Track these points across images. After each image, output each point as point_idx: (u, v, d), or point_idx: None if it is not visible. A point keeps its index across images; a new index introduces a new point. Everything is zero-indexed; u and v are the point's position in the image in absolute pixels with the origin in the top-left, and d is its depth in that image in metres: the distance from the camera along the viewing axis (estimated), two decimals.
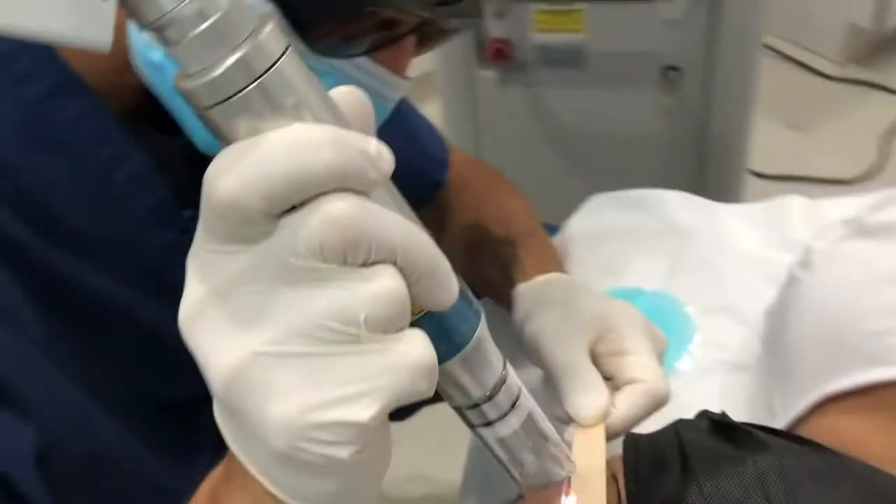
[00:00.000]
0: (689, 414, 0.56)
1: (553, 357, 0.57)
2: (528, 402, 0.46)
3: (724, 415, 0.51)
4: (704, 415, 0.51)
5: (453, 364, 0.39)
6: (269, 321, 0.30)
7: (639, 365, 0.55)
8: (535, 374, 0.59)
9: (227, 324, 0.31)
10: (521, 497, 0.51)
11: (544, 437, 0.48)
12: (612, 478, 0.49)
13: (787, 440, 0.48)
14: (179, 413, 0.70)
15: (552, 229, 0.88)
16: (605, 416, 0.54)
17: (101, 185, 0.56)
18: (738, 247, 0.82)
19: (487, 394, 0.42)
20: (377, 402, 0.31)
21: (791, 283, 0.66)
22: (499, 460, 0.47)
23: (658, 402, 0.55)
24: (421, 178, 0.85)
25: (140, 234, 0.62)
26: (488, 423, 0.43)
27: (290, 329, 0.30)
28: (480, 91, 1.37)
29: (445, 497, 1.48)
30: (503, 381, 0.42)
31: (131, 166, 0.57)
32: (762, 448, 0.45)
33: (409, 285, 0.31)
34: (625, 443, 0.50)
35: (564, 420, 0.55)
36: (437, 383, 0.41)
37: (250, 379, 0.30)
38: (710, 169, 1.36)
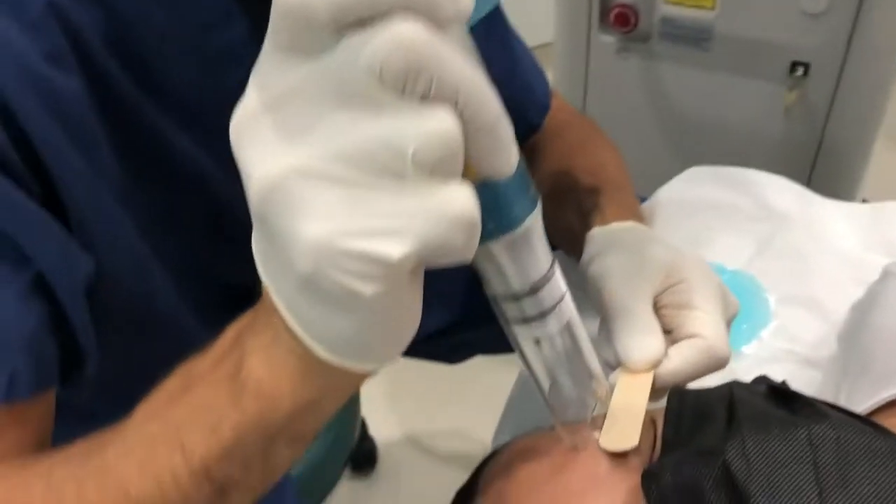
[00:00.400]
0: None
1: (613, 297, 0.55)
2: (573, 315, 0.44)
3: (784, 383, 0.47)
4: (763, 380, 0.48)
5: (498, 245, 0.38)
6: (316, 139, 0.29)
7: (702, 321, 0.53)
8: (593, 328, 0.57)
9: (274, 135, 0.30)
10: (552, 430, 0.50)
11: (583, 359, 0.46)
12: (650, 422, 0.47)
13: (854, 419, 0.45)
14: (240, 298, 0.71)
15: (641, 200, 0.85)
16: (655, 363, 0.52)
17: (198, 44, 0.56)
18: (833, 243, 0.77)
19: (529, 287, 0.40)
20: (409, 242, 0.30)
21: (883, 278, 0.62)
22: (529, 369, 0.46)
23: (715, 363, 0.52)
24: (519, 116, 0.83)
25: (230, 102, 0.62)
26: (525, 320, 0.42)
27: (334, 150, 0.29)
28: (596, 56, 1.34)
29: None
30: (548, 279, 0.41)
31: (232, 33, 0.57)
32: (821, 418, 0.42)
33: (466, 137, 0.30)
34: (670, 392, 0.48)
35: (612, 364, 0.53)
36: (478, 262, 0.40)
37: (287, 193, 0.30)
38: (819, 181, 1.29)
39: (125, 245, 0.57)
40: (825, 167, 1.27)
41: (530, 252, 0.39)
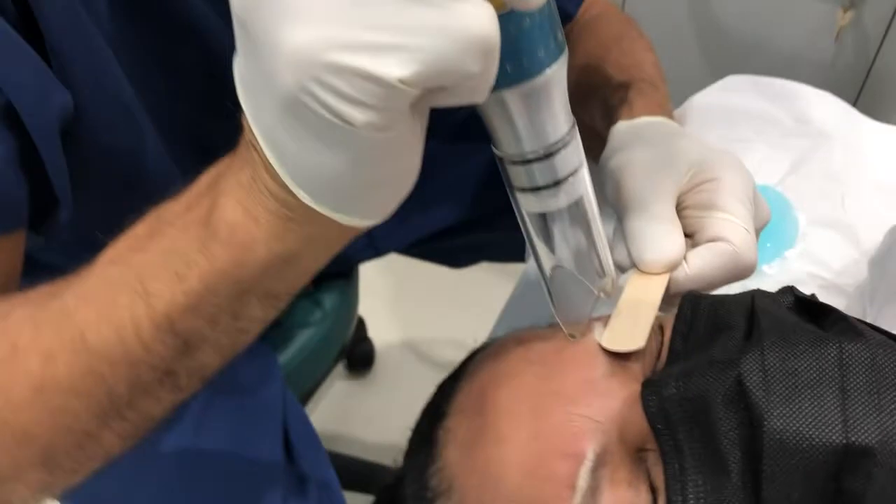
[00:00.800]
0: None
1: (631, 193, 0.50)
2: (588, 193, 0.39)
3: (813, 296, 0.43)
4: (789, 290, 0.43)
5: (514, 94, 0.33)
6: None
7: (729, 224, 0.48)
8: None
9: None
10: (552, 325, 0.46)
11: (593, 246, 0.42)
12: (657, 328, 0.43)
13: (894, 341, 0.39)
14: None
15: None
16: (671, 265, 0.47)
17: None
18: (875, 166, 0.71)
19: (542, 151, 0.36)
20: (414, 62, 0.26)
21: None
22: (532, 248, 0.41)
23: (739, 271, 0.48)
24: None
25: None
26: (534, 190, 0.37)
27: None
28: None
29: None
30: (565, 145, 0.36)
31: None
32: (856, 336, 0.36)
33: None
34: (683, 298, 0.44)
35: (625, 265, 0.49)
36: (489, 112, 0.35)
37: None
38: (863, 111, 1.22)
39: (110, 89, 0.52)
40: (872, 96, 1.20)
41: (549, 108, 0.34)
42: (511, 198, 0.39)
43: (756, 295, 0.42)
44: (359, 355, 1.47)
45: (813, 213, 0.69)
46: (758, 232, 0.52)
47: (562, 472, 0.38)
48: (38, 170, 0.48)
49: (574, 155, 0.37)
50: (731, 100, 0.78)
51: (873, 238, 0.65)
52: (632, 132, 0.57)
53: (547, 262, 0.42)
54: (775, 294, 0.43)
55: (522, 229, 0.41)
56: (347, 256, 0.90)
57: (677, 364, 0.40)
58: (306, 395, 1.35)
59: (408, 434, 0.49)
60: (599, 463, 0.38)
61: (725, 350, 0.38)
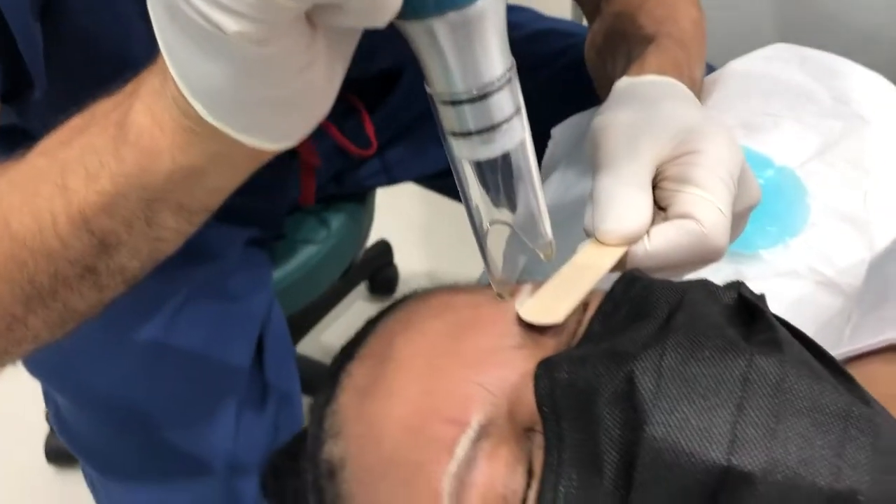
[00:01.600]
0: None
1: (605, 154, 0.47)
2: (526, 143, 0.37)
3: (761, 297, 0.39)
4: (735, 287, 0.39)
5: (442, 23, 0.31)
6: None
7: (700, 201, 0.44)
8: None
9: None
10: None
11: (530, 202, 0.39)
12: (581, 306, 0.41)
13: (822, 363, 0.36)
14: None
15: (709, 69, 0.75)
16: (629, 238, 0.44)
17: None
18: None
19: (475, 92, 0.33)
20: None
21: None
22: (465, 200, 0.39)
23: (704, 254, 0.44)
24: None
25: None
26: (465, 135, 0.35)
27: None
28: None
29: None
30: (499, 87, 0.33)
31: None
32: (773, 351, 0.33)
33: None
34: (622, 275, 0.41)
35: (588, 231, 0.46)
36: (416, 45, 0.32)
37: None
38: None
39: None
40: None
41: (482, 44, 0.32)
42: (443, 143, 0.37)
43: (693, 286, 0.39)
44: (382, 279, 1.48)
45: (829, 203, 0.64)
46: (742, 214, 0.49)
47: (443, 435, 0.36)
48: (12, 45, 0.48)
49: (510, 100, 0.35)
50: (771, 69, 0.73)
51: (889, 239, 0.60)
52: (629, 90, 0.53)
53: (478, 215, 0.39)
54: (717, 288, 0.39)
55: (455, 178, 0.39)
56: (358, 180, 0.89)
57: (585, 347, 0.37)
58: (322, 311, 1.37)
59: None
60: (483, 434, 0.36)
61: (632, 341, 0.35)
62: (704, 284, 0.39)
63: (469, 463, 0.35)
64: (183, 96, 0.32)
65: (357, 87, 0.80)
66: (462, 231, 0.44)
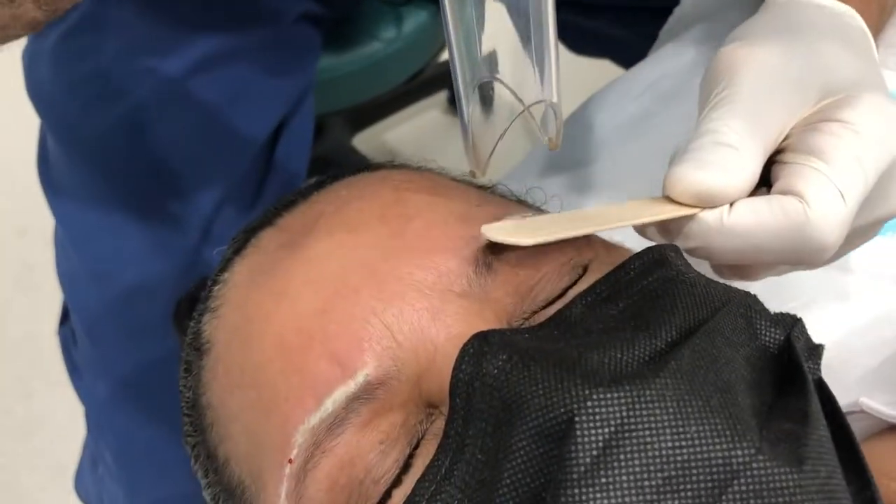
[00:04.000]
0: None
1: (728, 97, 0.34)
2: None
3: (816, 349, 0.29)
4: (787, 325, 0.29)
5: None
6: None
7: (817, 178, 0.32)
8: None
9: None
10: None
11: (537, 52, 0.30)
12: (576, 268, 0.31)
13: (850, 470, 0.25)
14: None
15: None
16: (703, 199, 0.32)
17: None
18: None
19: None
20: None
21: None
22: (447, 30, 0.29)
23: (800, 247, 0.32)
24: None
25: None
26: None
27: None
28: None
29: None
30: None
31: None
32: (793, 456, 0.23)
33: None
34: (643, 252, 0.31)
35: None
36: None
37: None
38: None
39: None
40: None
41: None
42: None
43: (730, 303, 0.28)
44: None
45: None
46: (872, 225, 0.36)
47: (318, 374, 0.28)
48: None
49: None
50: None
51: None
52: (786, 14, 0.39)
53: (462, 73, 0.29)
54: (761, 318, 0.29)
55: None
56: None
57: (544, 333, 0.28)
58: (388, 110, 1.29)
59: None
60: (366, 391, 0.28)
61: (603, 362, 0.25)
62: (746, 307, 0.29)
63: (335, 423, 0.28)
64: None
65: None
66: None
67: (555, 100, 0.30)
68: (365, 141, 1.28)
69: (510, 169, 0.63)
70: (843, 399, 0.43)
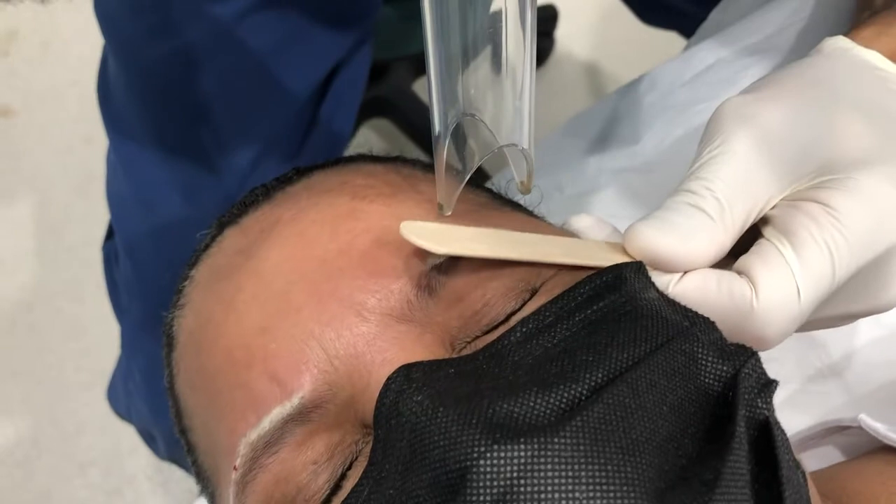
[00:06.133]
0: None
1: (719, 153, 0.33)
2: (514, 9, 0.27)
3: (767, 386, 0.27)
4: (738, 360, 0.27)
5: None
6: None
7: (776, 265, 0.31)
8: None
9: None
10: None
11: (513, 97, 0.29)
12: (525, 287, 0.31)
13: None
14: None
15: None
16: (655, 264, 0.31)
17: None
18: None
19: None
20: None
21: None
22: (427, 58, 0.29)
23: (741, 333, 0.31)
24: None
25: None
26: None
27: None
28: None
29: None
30: None
31: None
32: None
33: None
34: (601, 271, 0.30)
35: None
36: None
37: None
38: None
39: None
40: None
41: None
42: None
43: (679, 338, 0.27)
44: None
45: None
46: (845, 317, 0.35)
47: (258, 392, 0.29)
48: None
49: None
50: None
51: None
52: (822, 67, 0.37)
53: (436, 80, 0.29)
54: (709, 352, 0.27)
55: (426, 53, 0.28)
56: None
57: (469, 368, 0.27)
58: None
59: None
60: (301, 412, 0.28)
61: (521, 410, 0.24)
62: (693, 341, 0.27)
63: (271, 441, 0.29)
64: None
65: None
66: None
67: (526, 146, 0.30)
68: (425, 88, 1.28)
69: (549, 132, 0.63)
70: (849, 412, 0.42)
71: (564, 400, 0.24)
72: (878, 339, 0.47)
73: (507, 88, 0.29)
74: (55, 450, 1.06)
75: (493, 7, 0.26)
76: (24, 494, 1.04)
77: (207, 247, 0.36)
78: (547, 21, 1.33)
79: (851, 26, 0.42)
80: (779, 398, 0.48)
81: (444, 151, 0.30)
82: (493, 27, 0.28)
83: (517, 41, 0.28)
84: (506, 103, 0.30)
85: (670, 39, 0.91)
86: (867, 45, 0.39)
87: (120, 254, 0.66)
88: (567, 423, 0.23)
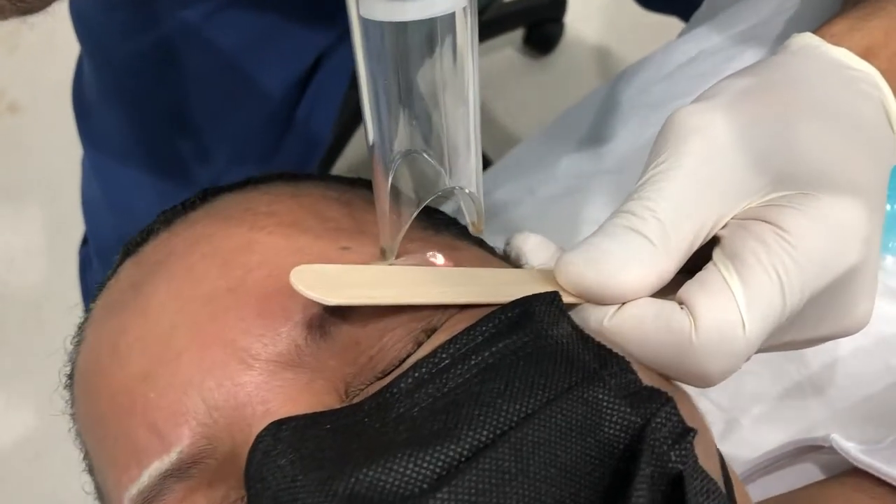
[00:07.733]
0: None
1: (663, 170, 0.30)
2: (464, 36, 0.25)
3: (684, 435, 0.24)
4: (652, 408, 0.25)
5: None
6: None
7: (718, 294, 0.28)
8: None
9: None
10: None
11: (443, 122, 0.27)
12: (425, 328, 0.29)
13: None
14: None
15: None
16: (587, 297, 0.29)
17: None
18: None
19: None
20: None
21: None
22: (361, 89, 0.27)
23: (678, 368, 0.29)
24: None
25: None
26: None
27: None
28: None
29: None
30: None
31: None
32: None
33: None
34: (507, 305, 0.28)
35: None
36: None
37: None
38: None
39: None
40: None
41: None
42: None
43: (587, 381, 0.25)
44: (540, 34, 1.31)
45: None
46: (802, 344, 0.32)
47: (139, 444, 0.28)
48: None
49: None
50: None
51: None
52: (787, 67, 0.34)
53: (386, 136, 0.27)
54: (615, 399, 0.25)
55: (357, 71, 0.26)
56: None
57: (349, 423, 0.25)
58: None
59: None
60: (180, 467, 0.27)
61: (389, 477, 0.22)
62: (600, 386, 0.25)
63: (149, 497, 0.27)
64: None
65: None
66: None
67: (472, 189, 0.28)
68: None
69: (528, 133, 0.60)
70: (829, 428, 0.40)
71: (440, 464, 0.22)
72: (859, 348, 0.45)
73: (453, 128, 0.27)
74: (64, 447, 1.07)
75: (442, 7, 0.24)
76: (33, 491, 1.05)
77: (108, 279, 0.35)
78: (556, 6, 1.30)
79: (828, 19, 0.39)
80: (755, 413, 0.46)
81: (388, 192, 0.28)
82: (439, 66, 0.26)
83: (465, 77, 0.27)
84: (452, 142, 0.28)
85: (679, 22, 0.88)
86: (838, 42, 0.36)
87: (94, 259, 0.65)
88: (432, 494, 0.21)
